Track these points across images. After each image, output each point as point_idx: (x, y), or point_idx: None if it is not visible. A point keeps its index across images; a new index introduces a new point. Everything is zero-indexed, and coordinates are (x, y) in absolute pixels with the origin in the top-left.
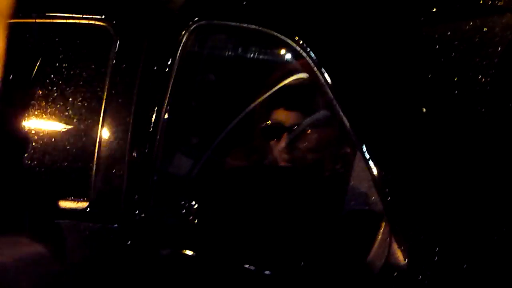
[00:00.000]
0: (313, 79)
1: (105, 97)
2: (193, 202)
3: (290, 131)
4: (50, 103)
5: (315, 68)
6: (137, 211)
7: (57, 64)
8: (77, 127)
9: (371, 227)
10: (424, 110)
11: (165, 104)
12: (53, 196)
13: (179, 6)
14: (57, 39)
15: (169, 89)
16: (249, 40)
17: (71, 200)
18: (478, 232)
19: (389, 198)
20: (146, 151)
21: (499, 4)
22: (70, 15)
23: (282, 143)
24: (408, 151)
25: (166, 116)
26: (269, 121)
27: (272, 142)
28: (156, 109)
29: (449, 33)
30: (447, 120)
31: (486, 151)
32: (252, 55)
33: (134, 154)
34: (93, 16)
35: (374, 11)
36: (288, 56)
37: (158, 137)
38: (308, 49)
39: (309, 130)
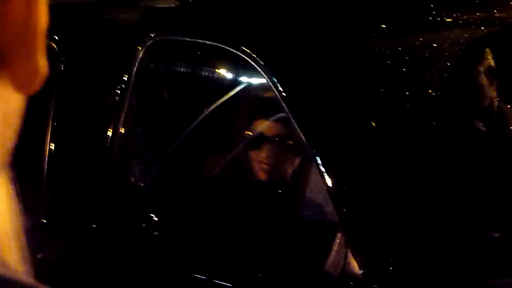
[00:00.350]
0: (269, 92)
1: (53, 113)
2: (152, 215)
3: (271, 141)
4: None
5: (270, 83)
6: (94, 225)
7: None
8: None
9: (327, 237)
10: (374, 124)
11: (121, 118)
12: None
13: (134, 22)
14: None
15: (125, 104)
16: (205, 54)
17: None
18: (432, 242)
19: (344, 209)
20: (103, 165)
21: (447, 20)
22: None
23: (263, 154)
24: (361, 164)
25: (122, 130)
26: (250, 132)
27: (252, 152)
28: (112, 124)
29: (399, 48)
30: (399, 133)
31: (439, 162)
32: (209, 69)
33: (90, 167)
34: None
35: (324, 27)
36: (244, 69)
37: (115, 151)
38: (263, 65)
39: (273, 142)
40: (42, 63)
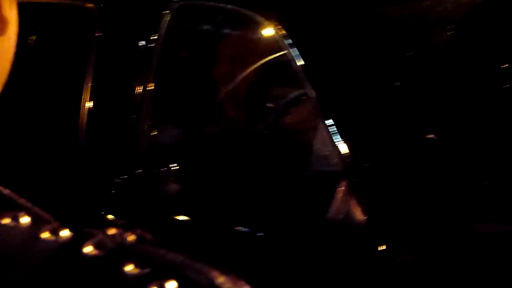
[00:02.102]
0: (288, 60)
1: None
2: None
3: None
4: None
5: (287, 48)
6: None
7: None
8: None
9: (333, 186)
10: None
11: (150, 77)
12: None
13: None
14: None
15: (154, 63)
16: (229, 19)
17: None
18: (427, 190)
19: (348, 161)
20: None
21: None
22: None
23: (271, 117)
24: (363, 120)
25: (150, 87)
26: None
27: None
28: (142, 82)
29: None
30: (404, 90)
31: (436, 118)
32: (233, 33)
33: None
34: None
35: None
36: (266, 35)
37: (143, 107)
38: (284, 32)
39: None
40: (9, 14)
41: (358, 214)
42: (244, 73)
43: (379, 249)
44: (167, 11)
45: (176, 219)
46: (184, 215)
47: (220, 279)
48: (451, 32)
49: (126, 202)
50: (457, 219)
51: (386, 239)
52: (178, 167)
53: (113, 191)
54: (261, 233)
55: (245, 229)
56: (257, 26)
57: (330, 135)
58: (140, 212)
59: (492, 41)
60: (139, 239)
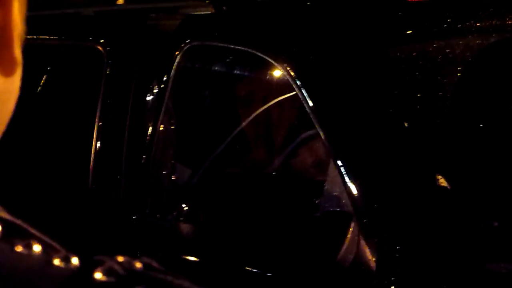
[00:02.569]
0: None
1: (99, 111)
2: (184, 205)
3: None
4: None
5: (297, 88)
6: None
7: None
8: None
9: (343, 226)
10: (404, 124)
11: (160, 117)
12: None
13: (173, 28)
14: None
15: (164, 104)
16: (238, 59)
17: None
18: (437, 230)
19: (357, 200)
20: (143, 162)
21: (460, 26)
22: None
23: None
24: (374, 161)
25: (161, 128)
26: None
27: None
28: (152, 122)
29: (414, 54)
30: (411, 131)
31: (445, 159)
32: (241, 72)
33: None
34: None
35: (348, 35)
36: (275, 75)
37: (154, 148)
38: (290, 71)
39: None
40: (18, 55)
41: (368, 255)
42: (255, 113)
43: None
44: (178, 52)
45: (186, 258)
46: (194, 256)
47: None
48: (460, 74)
49: (135, 242)
50: (468, 259)
51: (396, 280)
52: (188, 208)
53: (123, 229)
54: (271, 274)
55: (255, 270)
56: (267, 66)
57: (341, 176)
58: (150, 251)
59: (501, 81)
60: (146, 266)
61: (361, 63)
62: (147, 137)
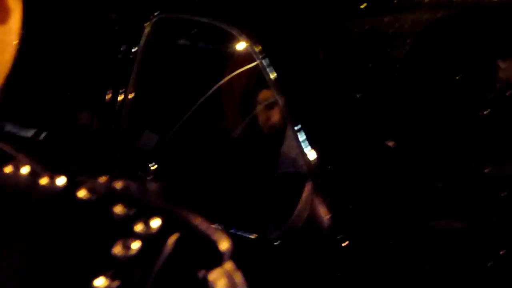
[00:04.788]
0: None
1: None
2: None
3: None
4: None
5: (259, 58)
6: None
7: None
8: None
9: (299, 186)
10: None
11: (130, 85)
12: None
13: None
14: None
15: (134, 73)
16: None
17: None
18: (387, 189)
19: (314, 162)
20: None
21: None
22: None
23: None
24: (331, 130)
25: (130, 96)
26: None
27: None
28: (122, 90)
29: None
30: (365, 96)
31: (396, 120)
32: (207, 45)
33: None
34: None
35: (304, 11)
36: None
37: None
38: (253, 42)
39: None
40: (12, 4)
41: (323, 213)
42: (219, 83)
43: (342, 245)
44: (147, 23)
45: None
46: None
47: (196, 221)
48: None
49: None
50: (414, 217)
51: (348, 236)
52: (156, 166)
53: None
54: (232, 230)
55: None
56: (231, 39)
57: (297, 139)
58: None
59: (445, 54)
60: (126, 186)
61: (317, 36)
62: (116, 105)
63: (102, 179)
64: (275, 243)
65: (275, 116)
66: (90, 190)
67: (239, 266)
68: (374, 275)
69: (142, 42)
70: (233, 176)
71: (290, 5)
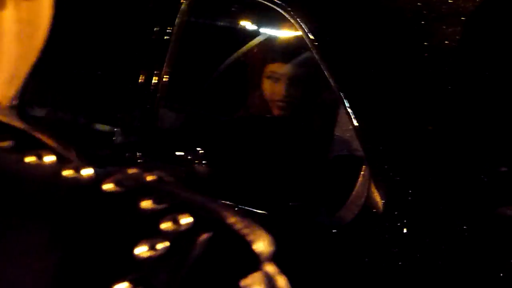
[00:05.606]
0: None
1: None
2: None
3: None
4: None
5: (309, 42)
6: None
7: None
8: None
9: (353, 170)
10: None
11: (165, 66)
12: None
13: None
14: None
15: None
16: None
17: None
18: (448, 174)
19: (369, 146)
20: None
21: None
22: None
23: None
24: (387, 107)
25: (165, 77)
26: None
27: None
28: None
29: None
30: (419, 79)
31: (454, 108)
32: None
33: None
34: None
35: None
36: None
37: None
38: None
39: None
40: None
41: (378, 198)
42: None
43: (401, 234)
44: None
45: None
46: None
47: (232, 219)
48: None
49: None
50: (479, 204)
51: (407, 223)
52: (203, 151)
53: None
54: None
55: (262, 211)
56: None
57: (351, 121)
58: None
59: (504, 33)
60: (159, 179)
61: (365, 15)
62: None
63: (132, 170)
64: (333, 231)
65: (280, 90)
66: (117, 183)
67: (284, 265)
68: (434, 268)
69: (177, 21)
70: (283, 160)
71: None
